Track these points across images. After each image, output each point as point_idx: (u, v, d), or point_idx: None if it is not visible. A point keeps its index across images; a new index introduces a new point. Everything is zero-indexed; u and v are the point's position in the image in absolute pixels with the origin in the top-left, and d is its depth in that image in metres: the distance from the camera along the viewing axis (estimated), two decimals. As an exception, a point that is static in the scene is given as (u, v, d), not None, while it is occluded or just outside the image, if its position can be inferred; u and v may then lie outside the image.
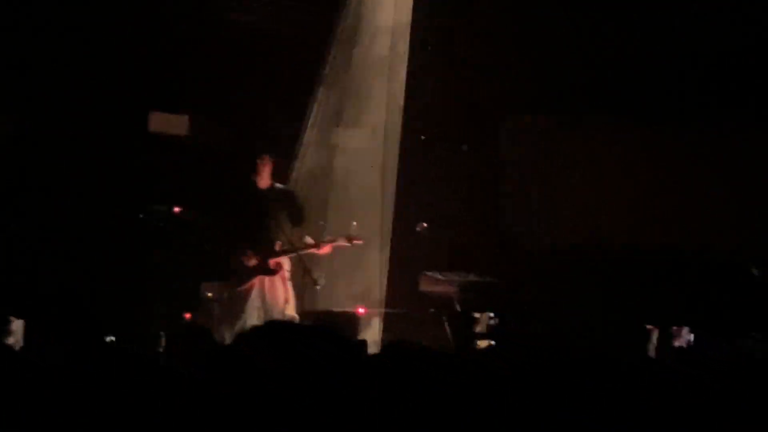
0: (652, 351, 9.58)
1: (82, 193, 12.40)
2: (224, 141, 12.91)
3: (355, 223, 11.87)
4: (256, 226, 11.69)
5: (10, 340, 8.64)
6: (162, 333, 9.71)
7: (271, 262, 11.56)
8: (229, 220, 11.81)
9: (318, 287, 11.95)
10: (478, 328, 11.33)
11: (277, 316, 11.45)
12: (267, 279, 11.57)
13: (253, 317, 11.47)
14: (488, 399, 4.97)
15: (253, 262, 11.56)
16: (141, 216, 12.84)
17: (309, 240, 11.65)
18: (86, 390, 4.88)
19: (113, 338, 9.17)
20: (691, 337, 9.40)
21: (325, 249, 11.67)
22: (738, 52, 12.46)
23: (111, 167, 12.71)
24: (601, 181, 13.24)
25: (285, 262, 11.74)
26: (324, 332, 6.41)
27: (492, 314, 11.36)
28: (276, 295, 11.60)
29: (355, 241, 11.75)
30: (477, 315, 11.43)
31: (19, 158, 12.25)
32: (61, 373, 5.10)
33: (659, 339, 9.72)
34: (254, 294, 11.53)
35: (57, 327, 9.28)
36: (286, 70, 13.26)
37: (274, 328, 7.15)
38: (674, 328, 9.54)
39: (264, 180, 11.73)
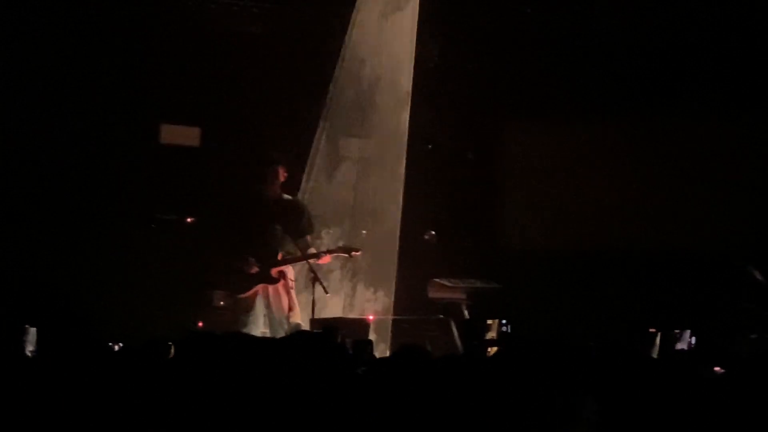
0: (655, 353, 9.57)
1: (92, 201, 12.42)
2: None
3: (364, 231, 11.91)
4: (259, 234, 11.69)
5: (26, 348, 8.65)
6: (170, 341, 9.72)
7: (273, 270, 11.57)
8: (232, 227, 11.82)
9: (327, 294, 11.98)
10: (490, 335, 11.31)
11: (282, 323, 11.48)
12: (270, 287, 11.58)
13: (258, 325, 11.48)
14: (493, 403, 4.99)
15: (254, 270, 11.57)
16: (151, 224, 12.88)
17: (311, 250, 11.67)
18: (95, 394, 4.89)
19: (121, 345, 9.19)
20: (693, 339, 9.39)
21: (325, 259, 11.73)
22: (731, 59, 12.44)
23: (121, 176, 12.75)
24: (604, 185, 13.22)
25: (289, 270, 11.76)
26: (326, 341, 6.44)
27: (504, 321, 11.34)
28: (280, 304, 11.60)
29: (354, 254, 11.81)
30: (489, 321, 11.41)
31: (33, 168, 12.26)
32: (71, 378, 5.10)
33: (662, 341, 9.70)
34: (258, 302, 11.53)
35: (68, 334, 9.29)
36: (296, 82, 13.26)
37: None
38: (676, 330, 9.53)
39: (272, 189, 11.74)
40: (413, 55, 13.05)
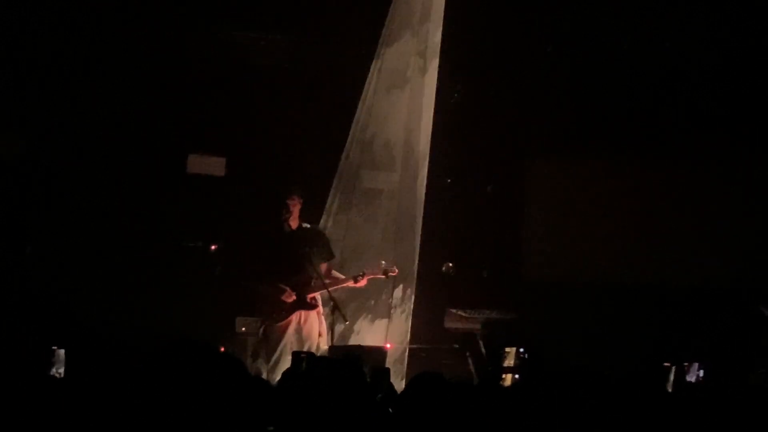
0: (669, 386, 9.56)
1: (122, 228, 12.49)
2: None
3: (383, 262, 11.95)
4: (290, 263, 11.73)
5: (54, 370, 8.69)
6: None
7: (309, 297, 11.62)
8: (264, 257, 11.87)
9: (347, 323, 12.02)
10: (507, 362, 11.33)
11: (312, 348, 11.48)
12: (303, 313, 11.61)
13: (288, 351, 11.47)
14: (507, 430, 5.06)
15: (292, 298, 11.61)
16: (178, 251, 12.93)
17: (340, 276, 11.74)
18: (122, 414, 4.92)
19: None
20: (702, 372, 9.40)
21: (362, 282, 11.73)
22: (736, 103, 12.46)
23: (151, 204, 12.83)
24: (621, 220, 13.23)
25: (318, 297, 11.80)
26: (350, 366, 6.48)
27: (522, 349, 11.35)
28: (312, 329, 11.61)
29: (390, 274, 11.86)
30: (507, 349, 11.43)
31: (70, 198, 12.34)
32: (100, 399, 5.15)
33: (675, 375, 9.71)
34: (291, 329, 11.56)
35: (96, 356, 9.32)
36: (320, 116, 13.33)
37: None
38: (686, 363, 9.55)
39: (293, 219, 11.80)
40: (434, 95, 13.12)
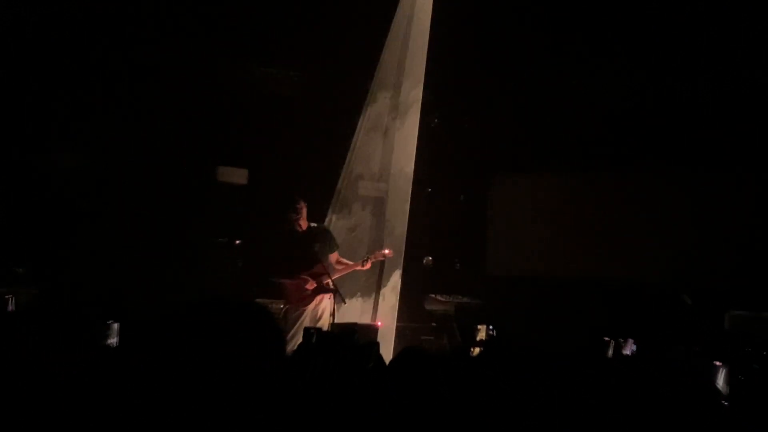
0: (608, 356, 9.57)
1: (165, 225, 12.50)
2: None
3: (386, 251, 11.98)
4: (306, 257, 11.73)
5: (111, 341, 8.68)
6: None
7: (325, 283, 11.60)
8: (285, 254, 11.86)
9: (345, 304, 12.00)
10: (479, 337, 11.31)
11: (324, 326, 11.46)
12: (319, 297, 11.61)
13: (300, 332, 11.50)
14: (477, 393, 5.04)
15: (313, 286, 11.59)
16: (208, 245, 12.93)
17: (348, 262, 11.74)
18: (169, 379, 4.89)
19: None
20: (634, 347, 9.42)
21: (368, 265, 11.70)
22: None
23: (188, 206, 12.84)
24: (567, 223, 13.23)
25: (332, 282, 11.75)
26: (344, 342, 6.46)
27: (491, 327, 11.34)
28: (325, 310, 11.56)
29: (388, 256, 11.89)
30: (479, 326, 11.42)
31: (123, 205, 12.36)
32: (149, 366, 5.12)
33: (614, 347, 9.71)
34: (308, 309, 11.53)
35: (143, 329, 9.33)
36: (325, 136, 13.34)
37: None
38: (622, 339, 9.55)
39: (302, 220, 11.80)
40: (418, 121, 13.13)
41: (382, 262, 12.54)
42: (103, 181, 12.45)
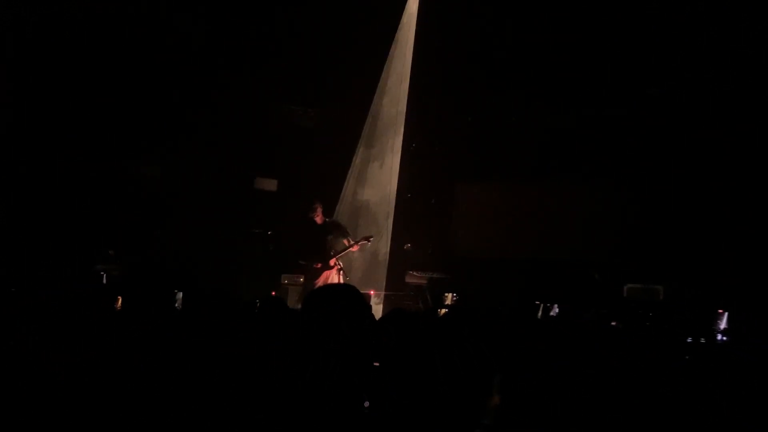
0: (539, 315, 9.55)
1: (216, 220, 12.53)
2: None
3: (372, 237, 12.01)
4: (320, 244, 11.75)
5: (176, 305, 8.72)
6: (257, 300, 9.72)
7: (331, 261, 11.63)
8: (307, 241, 11.89)
9: (348, 279, 12.04)
10: (447, 302, 11.27)
11: None
12: (328, 272, 11.62)
13: None
14: (445, 340, 5.04)
15: (319, 265, 11.64)
16: (248, 235, 12.95)
17: (347, 242, 11.73)
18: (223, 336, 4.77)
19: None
20: (557, 309, 9.40)
21: (356, 247, 11.75)
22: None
23: (233, 206, 12.86)
24: (510, 217, 13.11)
25: (339, 263, 11.81)
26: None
27: (455, 294, 11.31)
28: (333, 281, 11.68)
29: (371, 239, 11.94)
30: (446, 294, 11.39)
31: (190, 202, 12.39)
32: (209, 326, 5.01)
33: (543, 309, 9.68)
34: (320, 281, 11.55)
35: (200, 297, 9.33)
36: (333, 156, 13.36)
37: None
38: (549, 304, 9.53)
39: (319, 217, 11.83)
40: (401, 144, 13.16)
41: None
42: (174, 187, 12.49)
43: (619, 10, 11.63)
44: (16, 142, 11.79)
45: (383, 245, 13.08)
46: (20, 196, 11.71)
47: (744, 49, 10.94)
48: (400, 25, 13.25)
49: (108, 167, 12.29)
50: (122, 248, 11.74)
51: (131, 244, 11.97)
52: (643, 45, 11.63)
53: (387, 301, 12.19)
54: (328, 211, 12.30)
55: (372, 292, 12.11)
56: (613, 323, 8.57)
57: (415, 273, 12.60)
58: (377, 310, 11.11)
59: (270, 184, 13.43)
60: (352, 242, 11.75)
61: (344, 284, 9.29)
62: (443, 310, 10.96)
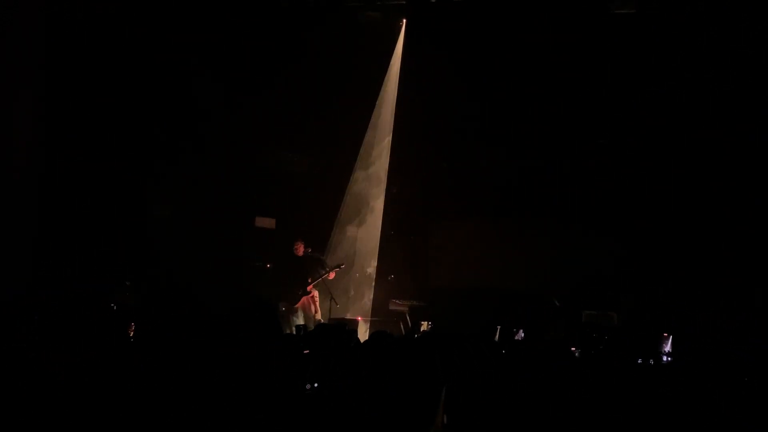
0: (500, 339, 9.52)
1: (219, 252, 12.49)
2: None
3: (343, 265, 12.15)
4: (299, 274, 11.80)
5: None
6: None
7: (309, 288, 11.68)
8: (290, 272, 11.94)
9: (337, 306, 12.04)
10: (423, 328, 11.25)
11: (310, 320, 11.56)
12: (307, 299, 11.70)
13: (300, 319, 11.60)
14: (423, 360, 5.03)
15: (300, 292, 11.67)
16: (252, 267, 12.95)
17: (323, 271, 11.88)
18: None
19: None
20: (522, 333, 9.40)
21: (331, 275, 11.88)
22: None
23: (238, 242, 12.85)
24: (479, 251, 13.10)
25: (315, 291, 11.87)
26: (337, 329, 6.44)
27: (429, 322, 11.29)
28: (310, 308, 11.77)
29: (341, 266, 12.18)
30: (422, 322, 11.37)
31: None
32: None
33: (506, 333, 9.63)
34: (300, 307, 11.64)
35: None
36: (326, 197, 13.40)
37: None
38: (515, 329, 9.50)
39: (300, 252, 11.96)
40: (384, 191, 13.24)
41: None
42: (184, 226, 12.46)
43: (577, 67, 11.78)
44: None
45: (369, 277, 13.10)
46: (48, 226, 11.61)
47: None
48: (383, 83, 13.39)
49: (127, 210, 12.29)
50: (137, 279, 11.69)
51: (145, 275, 11.91)
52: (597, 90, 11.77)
53: (372, 326, 12.16)
54: (321, 246, 12.35)
55: (359, 319, 12.10)
56: (572, 348, 8.58)
57: (396, 301, 12.63)
58: (363, 334, 11.07)
59: (269, 223, 13.41)
60: (327, 270, 11.85)
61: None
62: (420, 335, 11.03)
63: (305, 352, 5.36)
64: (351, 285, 13.02)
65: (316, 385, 4.58)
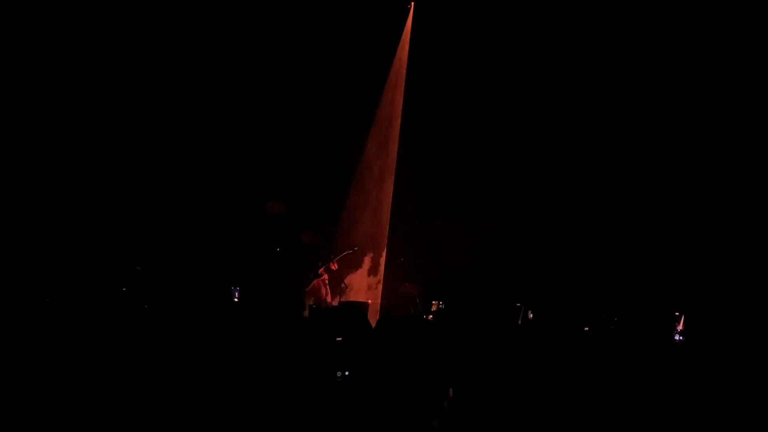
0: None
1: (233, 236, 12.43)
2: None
3: (356, 247, 12.30)
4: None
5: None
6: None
7: (320, 271, 11.66)
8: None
9: (348, 290, 12.00)
10: (434, 308, 11.16)
11: (322, 302, 11.58)
12: (318, 281, 11.77)
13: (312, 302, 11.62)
14: (431, 341, 4.99)
15: (312, 274, 11.70)
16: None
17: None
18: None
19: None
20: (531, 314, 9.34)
21: (335, 265, 11.87)
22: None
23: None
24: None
25: (325, 276, 11.93)
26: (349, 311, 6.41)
27: (441, 302, 11.22)
28: (321, 292, 11.74)
29: (347, 252, 12.14)
30: (434, 301, 11.27)
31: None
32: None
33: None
34: (317, 293, 11.63)
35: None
36: (333, 191, 13.30)
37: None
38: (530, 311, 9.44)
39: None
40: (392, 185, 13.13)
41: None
42: (204, 212, 12.35)
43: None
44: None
45: (380, 262, 13.04)
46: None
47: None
48: (391, 68, 13.26)
49: (139, 196, 12.19)
50: (148, 265, 11.62)
51: (160, 260, 11.85)
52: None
53: (382, 308, 12.11)
54: (330, 231, 12.31)
55: (369, 302, 12.02)
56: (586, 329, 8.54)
57: (406, 284, 12.49)
58: (373, 317, 10.98)
59: (279, 208, 13.32)
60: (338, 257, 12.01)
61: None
62: (431, 316, 10.96)
63: (337, 339, 5.33)
64: (361, 269, 12.94)
65: (347, 373, 4.55)
